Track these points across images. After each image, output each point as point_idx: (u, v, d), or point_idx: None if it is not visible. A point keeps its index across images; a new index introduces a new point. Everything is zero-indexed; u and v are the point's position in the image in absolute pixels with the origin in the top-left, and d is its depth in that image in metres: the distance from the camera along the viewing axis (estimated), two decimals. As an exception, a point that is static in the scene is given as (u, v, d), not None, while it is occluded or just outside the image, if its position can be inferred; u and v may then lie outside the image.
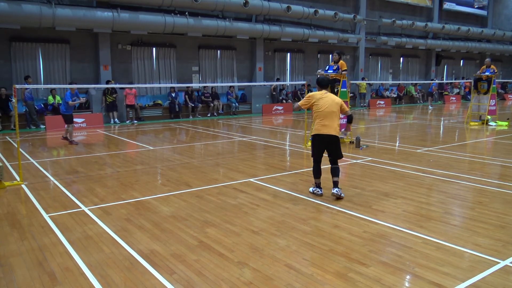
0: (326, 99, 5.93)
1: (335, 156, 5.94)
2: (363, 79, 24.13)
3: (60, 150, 10.48)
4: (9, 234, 4.70)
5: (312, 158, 6.11)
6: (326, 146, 5.92)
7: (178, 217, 5.18)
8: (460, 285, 3.46)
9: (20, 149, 8.23)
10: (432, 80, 28.26)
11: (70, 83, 11.84)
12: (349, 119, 6.42)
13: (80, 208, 5.60)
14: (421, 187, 6.53)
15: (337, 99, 6.01)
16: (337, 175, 5.91)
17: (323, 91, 6.09)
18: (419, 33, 27.61)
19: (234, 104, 19.64)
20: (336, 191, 5.87)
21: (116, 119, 16.30)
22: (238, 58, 20.42)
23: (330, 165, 5.96)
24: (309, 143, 10.81)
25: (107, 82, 15.98)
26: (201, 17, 17.72)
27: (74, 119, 14.81)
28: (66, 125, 11.27)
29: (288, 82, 21.48)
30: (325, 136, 5.84)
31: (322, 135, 5.84)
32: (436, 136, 12.78)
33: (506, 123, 14.68)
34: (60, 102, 15.36)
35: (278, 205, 5.63)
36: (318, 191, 6.07)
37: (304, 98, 6.12)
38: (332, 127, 5.83)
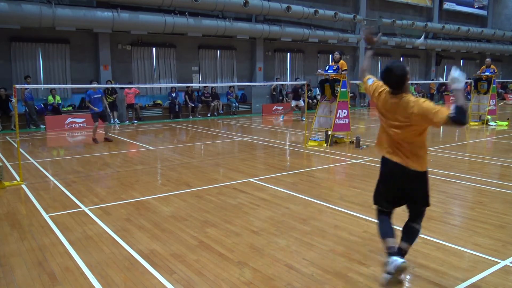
0: (387, 99, 3.35)
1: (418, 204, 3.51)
2: (363, 79, 24.09)
3: (60, 150, 10.48)
4: (9, 234, 4.69)
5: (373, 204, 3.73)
6: (399, 186, 3.41)
7: (178, 217, 5.18)
8: (460, 285, 3.46)
9: (20, 149, 8.23)
10: (432, 80, 28.27)
11: None
12: None
13: (80, 208, 5.60)
14: (421, 187, 6.51)
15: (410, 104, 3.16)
16: (411, 240, 3.47)
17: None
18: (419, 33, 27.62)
19: (234, 104, 19.64)
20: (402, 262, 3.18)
21: (116, 119, 16.30)
22: (238, 58, 20.42)
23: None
24: (310, 143, 10.93)
25: (107, 82, 15.98)
26: (201, 17, 17.71)
27: (74, 119, 14.93)
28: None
29: (288, 82, 21.47)
30: (394, 165, 3.35)
31: (390, 161, 3.38)
32: (436, 136, 12.77)
33: (506, 123, 14.69)
34: (60, 102, 15.41)
35: (278, 205, 5.63)
36: (398, 262, 3.12)
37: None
38: (398, 153, 3.33)
